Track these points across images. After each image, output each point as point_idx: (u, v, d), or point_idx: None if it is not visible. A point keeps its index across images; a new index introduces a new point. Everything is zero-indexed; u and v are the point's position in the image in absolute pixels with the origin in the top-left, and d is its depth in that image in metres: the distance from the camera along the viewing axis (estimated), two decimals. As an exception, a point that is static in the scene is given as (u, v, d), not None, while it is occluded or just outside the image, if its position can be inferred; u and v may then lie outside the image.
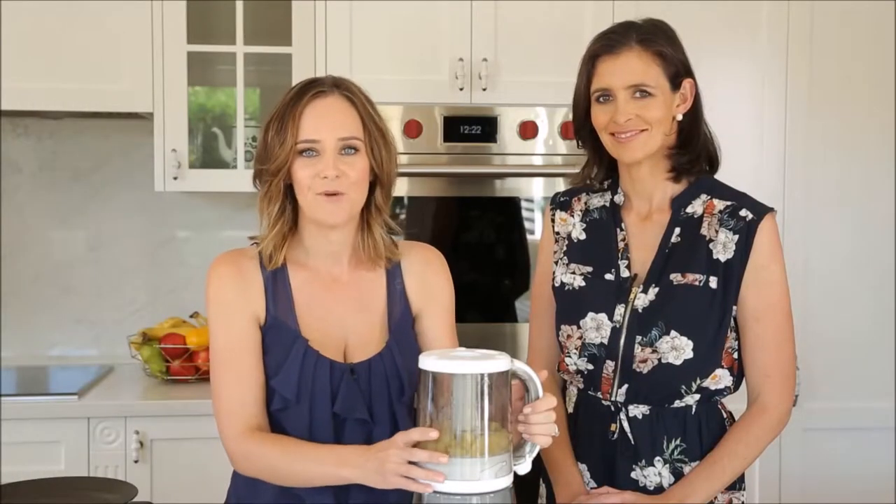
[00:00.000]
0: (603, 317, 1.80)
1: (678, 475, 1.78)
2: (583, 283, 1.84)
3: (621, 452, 1.79)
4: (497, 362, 1.41)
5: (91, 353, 3.25)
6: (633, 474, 1.79)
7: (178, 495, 2.67)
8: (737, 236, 1.76)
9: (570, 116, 1.87)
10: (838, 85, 2.97)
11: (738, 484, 1.83)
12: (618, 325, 1.78)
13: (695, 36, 2.83)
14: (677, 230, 1.81)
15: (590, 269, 1.85)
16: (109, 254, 3.27)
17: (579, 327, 1.82)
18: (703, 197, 1.82)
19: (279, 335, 1.66)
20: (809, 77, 2.96)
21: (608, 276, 1.82)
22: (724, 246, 1.77)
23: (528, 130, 2.87)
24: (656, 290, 1.77)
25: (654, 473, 1.78)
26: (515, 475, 1.46)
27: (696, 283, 1.76)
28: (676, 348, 1.74)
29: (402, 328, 1.72)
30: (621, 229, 1.85)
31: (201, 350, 2.92)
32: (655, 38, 1.76)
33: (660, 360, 1.75)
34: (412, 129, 2.83)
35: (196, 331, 2.97)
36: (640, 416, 1.79)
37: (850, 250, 3.01)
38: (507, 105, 2.88)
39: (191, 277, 3.26)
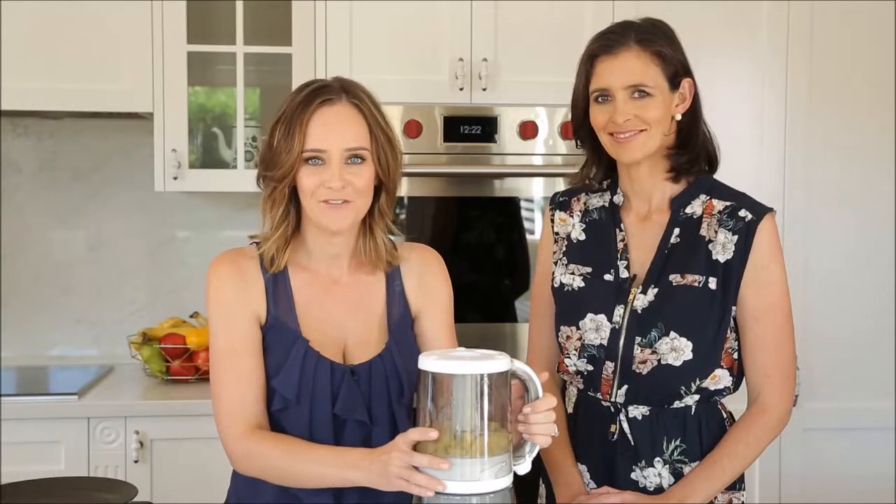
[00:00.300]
0: (602, 318, 1.80)
1: (678, 476, 1.77)
2: (582, 284, 1.84)
3: (621, 453, 1.79)
4: (497, 362, 1.41)
5: (91, 353, 3.25)
6: (632, 475, 1.79)
7: (178, 495, 2.67)
8: (736, 237, 1.76)
9: (570, 116, 1.87)
10: (838, 85, 2.97)
11: (737, 484, 1.83)
12: (617, 326, 1.78)
13: (695, 36, 2.83)
14: (676, 231, 1.80)
15: (589, 269, 1.85)
16: (109, 254, 3.27)
17: (578, 328, 1.82)
18: (703, 197, 1.82)
19: (279, 335, 1.66)
20: (809, 77, 2.96)
21: (607, 277, 1.82)
22: (723, 246, 1.76)
23: (528, 130, 2.87)
24: (655, 290, 1.77)
25: (654, 474, 1.78)
26: (515, 475, 1.46)
27: (696, 283, 1.76)
28: (676, 349, 1.74)
29: (402, 329, 1.72)
30: (620, 230, 1.85)
31: (201, 350, 2.92)
32: (654, 38, 1.75)
33: (659, 361, 1.75)
34: (412, 129, 2.83)
35: (196, 331, 2.97)
36: (639, 417, 1.79)
37: (850, 250, 3.01)
38: (507, 105, 2.88)
39: (191, 277, 3.26)
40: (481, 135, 2.87)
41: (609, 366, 1.79)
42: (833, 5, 2.95)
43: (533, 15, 2.89)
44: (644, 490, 1.78)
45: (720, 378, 1.78)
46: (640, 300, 1.77)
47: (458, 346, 1.73)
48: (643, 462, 1.78)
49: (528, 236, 2.94)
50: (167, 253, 3.29)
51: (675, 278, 1.77)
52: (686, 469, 1.78)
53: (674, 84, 1.77)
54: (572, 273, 1.86)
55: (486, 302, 2.93)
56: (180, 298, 3.24)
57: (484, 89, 2.86)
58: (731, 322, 1.78)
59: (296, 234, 1.70)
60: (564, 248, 1.90)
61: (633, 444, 1.78)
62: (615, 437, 1.80)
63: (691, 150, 1.80)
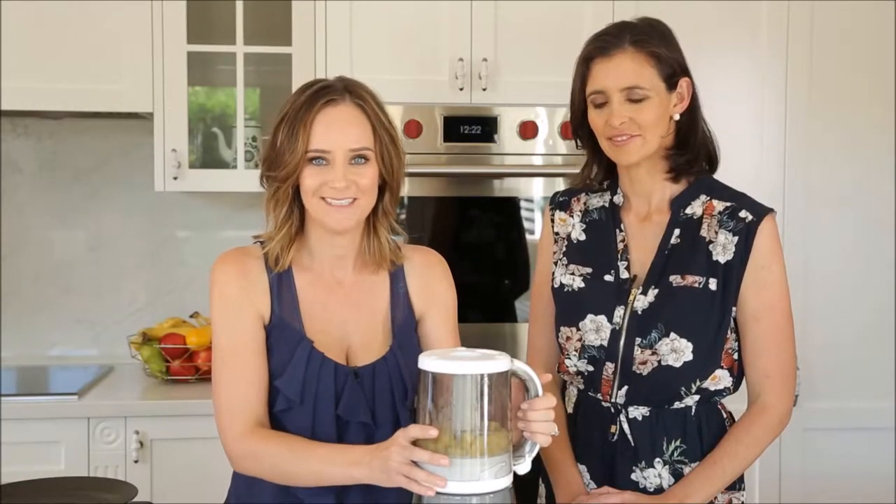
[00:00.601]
0: (602, 318, 1.79)
1: (678, 476, 1.77)
2: (582, 285, 1.84)
3: (621, 454, 1.79)
4: (497, 363, 1.41)
5: (91, 353, 3.25)
6: (633, 476, 1.79)
7: (178, 495, 2.67)
8: (736, 238, 1.76)
9: (569, 117, 1.87)
10: (838, 85, 2.97)
11: (737, 484, 1.83)
12: (617, 328, 1.78)
13: (695, 35, 2.83)
14: (677, 231, 1.80)
15: (589, 270, 1.85)
16: (109, 254, 3.27)
17: (578, 329, 1.82)
18: (703, 198, 1.82)
19: (283, 336, 1.66)
20: (809, 77, 2.96)
21: (607, 278, 1.82)
22: (723, 247, 1.76)
23: (527, 130, 2.87)
24: (656, 291, 1.77)
25: (654, 475, 1.78)
26: (515, 475, 1.46)
27: (696, 284, 1.76)
28: (676, 350, 1.74)
29: (406, 332, 1.72)
30: (620, 230, 1.85)
31: (201, 350, 2.92)
32: (649, 38, 1.74)
33: (659, 362, 1.75)
34: (412, 129, 2.83)
35: (196, 331, 2.97)
36: (639, 418, 1.79)
37: (851, 250, 3.01)
38: (507, 105, 2.88)
39: (191, 277, 3.26)
40: (481, 135, 2.87)
41: (609, 366, 1.79)
42: (833, 5, 2.95)
43: (533, 15, 2.88)
44: (644, 491, 1.78)
45: (720, 378, 1.78)
46: (641, 301, 1.77)
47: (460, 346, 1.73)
48: (643, 463, 1.78)
49: (528, 236, 2.94)
50: (167, 253, 3.29)
51: (675, 279, 1.77)
52: (686, 469, 1.78)
53: (671, 84, 1.76)
54: (572, 273, 1.86)
55: (486, 302, 2.93)
56: (180, 298, 3.24)
57: (484, 89, 2.86)
58: (732, 323, 1.78)
59: (300, 234, 1.70)
60: (564, 249, 1.90)
61: (633, 444, 1.78)
62: (615, 437, 1.80)
63: (690, 150, 1.80)
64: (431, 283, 1.76)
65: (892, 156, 3.00)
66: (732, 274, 1.75)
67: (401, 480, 1.43)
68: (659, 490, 1.78)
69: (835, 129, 2.98)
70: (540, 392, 1.47)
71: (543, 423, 1.46)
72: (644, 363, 1.76)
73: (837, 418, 3.00)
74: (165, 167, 2.91)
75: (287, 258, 1.67)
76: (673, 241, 1.80)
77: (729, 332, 1.78)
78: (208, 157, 3.15)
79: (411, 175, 2.83)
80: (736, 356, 1.80)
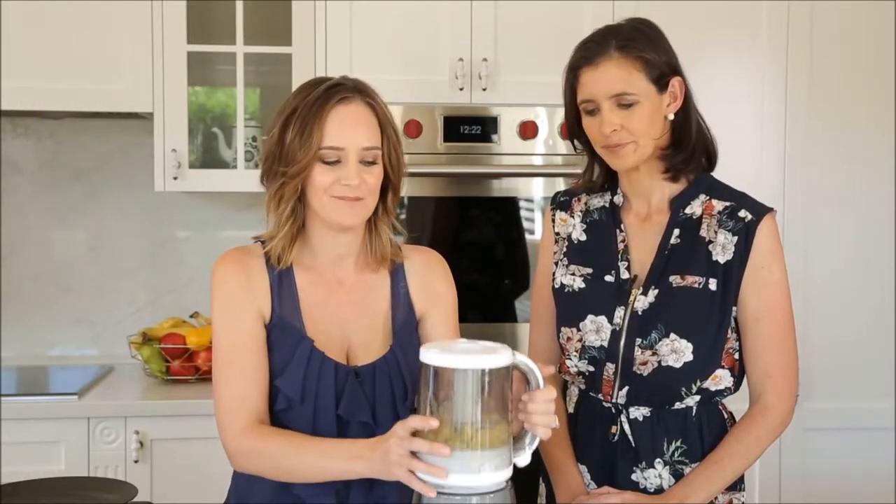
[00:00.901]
0: (602, 319, 1.79)
1: (678, 477, 1.77)
2: (582, 285, 1.84)
3: (622, 454, 1.79)
4: (499, 357, 1.40)
5: (91, 353, 3.25)
6: (633, 476, 1.79)
7: (178, 495, 2.67)
8: (736, 237, 1.76)
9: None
10: (838, 85, 2.97)
11: (738, 484, 1.83)
12: (617, 328, 1.78)
13: (695, 35, 2.87)
14: (676, 231, 1.80)
15: (589, 270, 1.84)
16: (109, 254, 3.27)
17: (579, 329, 1.82)
18: (702, 197, 1.82)
19: (284, 335, 1.66)
20: (809, 77, 2.96)
21: (608, 278, 1.82)
22: (723, 247, 1.76)
23: (527, 130, 2.87)
24: (656, 292, 1.77)
25: (655, 475, 1.78)
26: (515, 468, 1.45)
27: (696, 285, 1.75)
28: (676, 351, 1.74)
29: (406, 331, 1.72)
30: (621, 230, 1.85)
31: (201, 350, 2.92)
32: (635, 43, 1.73)
33: (659, 362, 1.75)
34: (412, 129, 2.83)
35: (196, 331, 2.97)
36: (640, 418, 1.78)
37: (851, 250, 3.01)
38: (507, 105, 2.88)
39: (191, 277, 3.26)
40: (481, 135, 2.87)
41: (610, 367, 1.79)
42: (833, 5, 2.95)
43: (533, 15, 2.88)
44: (644, 491, 1.78)
45: (721, 378, 1.78)
46: (641, 301, 1.77)
47: None
48: (644, 463, 1.78)
49: (528, 236, 2.94)
50: (167, 253, 3.29)
51: (675, 279, 1.77)
52: (686, 470, 1.77)
53: (661, 85, 1.75)
54: (573, 274, 1.86)
55: (486, 301, 2.93)
56: (180, 298, 3.24)
57: (484, 89, 2.86)
58: (732, 322, 1.78)
59: (301, 232, 1.70)
60: (565, 249, 1.90)
61: (633, 445, 1.78)
62: (616, 438, 1.79)
63: (685, 149, 1.79)
64: (432, 282, 1.77)
65: (892, 156, 3.00)
66: (732, 274, 1.75)
67: (400, 473, 1.42)
68: (659, 490, 1.77)
69: (835, 129, 2.98)
70: (541, 384, 1.46)
71: (544, 415, 1.45)
72: (644, 364, 1.75)
73: (837, 418, 3.00)
74: (165, 167, 2.91)
75: (289, 256, 1.67)
76: (673, 241, 1.80)
77: (729, 331, 1.78)
78: (208, 157, 3.15)
79: (411, 175, 2.80)
80: (737, 356, 1.80)
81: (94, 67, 2.90)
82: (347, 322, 1.70)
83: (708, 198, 1.81)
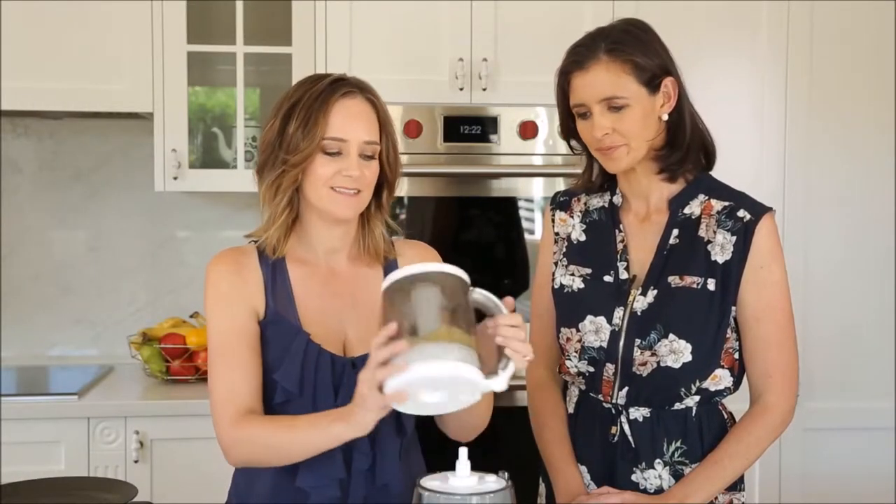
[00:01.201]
0: (602, 320, 1.79)
1: (678, 477, 1.77)
2: (582, 286, 1.84)
3: (622, 455, 1.79)
4: (452, 267, 1.45)
5: (91, 353, 3.25)
6: (633, 477, 1.78)
7: (178, 495, 2.67)
8: (735, 237, 1.76)
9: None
10: (838, 85, 2.97)
11: (738, 485, 1.83)
12: (616, 329, 1.78)
13: (695, 36, 2.87)
14: (675, 231, 1.80)
15: (589, 270, 1.84)
16: (109, 254, 3.27)
17: (578, 330, 1.82)
18: (701, 197, 1.81)
19: (280, 329, 1.67)
20: (809, 77, 2.96)
21: (607, 278, 1.82)
22: (721, 247, 1.76)
23: (527, 130, 2.87)
24: (655, 292, 1.77)
25: (655, 476, 1.78)
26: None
27: (695, 285, 1.75)
28: (675, 351, 1.74)
29: None
30: (620, 230, 1.85)
31: (201, 350, 2.92)
32: (624, 46, 1.72)
33: (659, 363, 1.74)
34: (412, 129, 2.83)
35: (196, 331, 2.97)
36: (640, 419, 1.78)
37: (851, 250, 3.01)
38: (507, 105, 2.88)
39: (191, 277, 3.26)
40: (481, 135, 2.87)
41: (609, 368, 1.79)
42: (833, 5, 2.95)
43: (533, 15, 2.89)
44: (644, 492, 1.78)
45: (721, 378, 1.78)
46: (640, 302, 1.77)
47: None
48: (643, 464, 1.78)
49: (528, 236, 2.94)
50: (167, 253, 3.29)
51: (673, 280, 1.77)
52: (686, 470, 1.77)
53: (653, 87, 1.74)
54: (572, 274, 1.86)
55: (486, 302, 2.93)
56: (180, 298, 3.24)
57: (484, 89, 2.86)
58: (732, 322, 1.78)
59: (296, 225, 1.71)
60: (564, 249, 1.90)
61: (633, 445, 1.78)
62: (616, 438, 1.79)
63: (680, 148, 1.79)
64: None
65: (892, 156, 3.00)
66: (731, 274, 1.75)
67: (375, 402, 1.42)
68: (659, 491, 1.77)
69: (835, 129, 2.98)
70: (504, 312, 1.47)
71: (515, 339, 1.46)
72: (644, 364, 1.75)
73: (837, 418, 3.00)
74: (165, 167, 2.91)
75: (283, 247, 1.69)
76: (672, 241, 1.80)
77: (729, 331, 1.78)
78: (208, 157, 3.15)
79: (411, 175, 2.83)
80: (736, 356, 1.80)
81: (94, 67, 2.90)
82: (342, 314, 1.70)
83: (707, 198, 1.81)
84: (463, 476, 1.38)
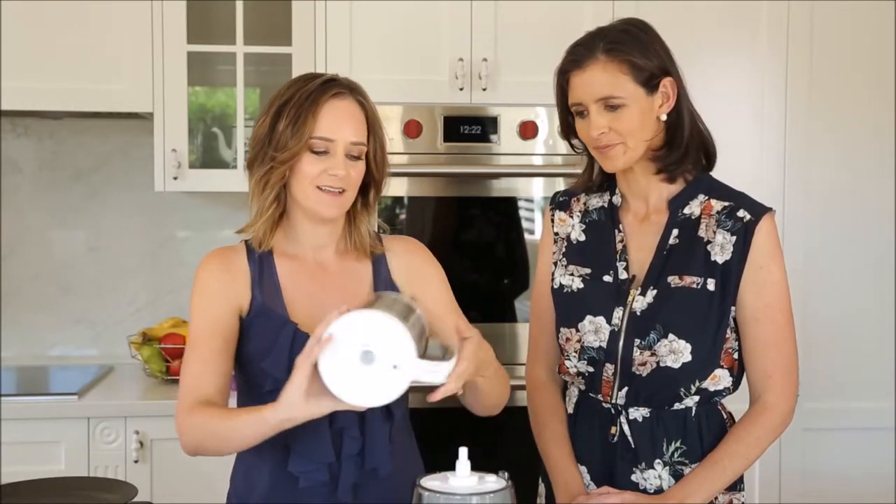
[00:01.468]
0: (601, 320, 1.79)
1: (678, 477, 1.77)
2: (581, 286, 1.84)
3: (621, 455, 1.79)
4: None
5: (91, 353, 3.25)
6: (633, 477, 1.78)
7: (178, 495, 2.67)
8: (734, 237, 1.75)
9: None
10: (838, 85, 2.97)
11: (738, 485, 1.83)
12: (616, 329, 1.78)
13: (695, 36, 2.87)
14: (675, 231, 1.80)
15: (588, 270, 1.84)
16: (109, 254, 3.27)
17: (578, 330, 1.82)
18: (701, 197, 1.81)
19: (267, 321, 1.69)
20: (809, 77, 2.96)
21: (606, 278, 1.82)
22: (721, 247, 1.76)
23: (527, 130, 2.87)
24: (654, 292, 1.77)
25: (655, 476, 1.78)
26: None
27: (694, 285, 1.75)
28: (674, 351, 1.74)
29: None
30: (619, 230, 1.85)
31: (201, 350, 2.92)
32: (622, 45, 1.72)
33: (658, 363, 1.74)
34: (412, 129, 2.83)
35: (196, 331, 2.97)
36: (640, 419, 1.78)
37: (850, 250, 3.01)
38: (507, 105, 2.88)
39: (191, 277, 3.17)
40: (481, 135, 2.87)
41: (609, 368, 1.79)
42: (833, 5, 2.95)
43: (533, 15, 2.89)
44: (644, 492, 1.78)
45: (720, 378, 1.77)
46: (639, 302, 1.77)
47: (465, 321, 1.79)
48: (643, 464, 1.78)
49: (528, 236, 2.94)
50: (167, 253, 3.30)
51: (673, 280, 1.76)
52: (686, 471, 1.77)
53: (651, 87, 1.74)
54: (571, 274, 1.86)
55: (485, 301, 2.93)
56: (180, 298, 3.24)
57: (484, 89, 2.86)
58: (731, 322, 1.78)
59: (283, 220, 1.75)
60: (564, 249, 1.89)
61: (633, 445, 1.78)
62: (615, 438, 1.79)
63: (678, 148, 1.79)
64: (416, 265, 1.82)
65: (892, 156, 3.01)
66: (731, 274, 1.75)
67: (298, 386, 1.45)
68: (659, 491, 1.77)
69: (835, 129, 2.98)
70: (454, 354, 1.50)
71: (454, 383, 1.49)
72: (643, 364, 1.75)
73: (837, 418, 3.00)
74: (165, 167, 2.91)
75: (270, 240, 1.73)
76: (671, 241, 1.80)
77: (729, 331, 1.78)
78: (208, 157, 3.15)
79: (411, 175, 2.84)
80: (736, 356, 1.80)
81: (94, 67, 2.90)
82: (329, 306, 1.71)
83: (707, 198, 1.81)
84: (463, 476, 1.38)
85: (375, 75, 2.80)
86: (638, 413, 1.78)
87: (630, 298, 1.78)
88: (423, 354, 1.49)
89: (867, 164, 3.00)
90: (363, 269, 1.78)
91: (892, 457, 3.01)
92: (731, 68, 2.96)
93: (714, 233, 1.77)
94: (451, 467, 1.40)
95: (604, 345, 1.78)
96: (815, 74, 2.96)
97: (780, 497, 2.97)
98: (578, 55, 1.75)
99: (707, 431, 1.79)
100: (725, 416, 1.85)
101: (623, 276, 1.80)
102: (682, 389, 1.76)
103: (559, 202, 1.94)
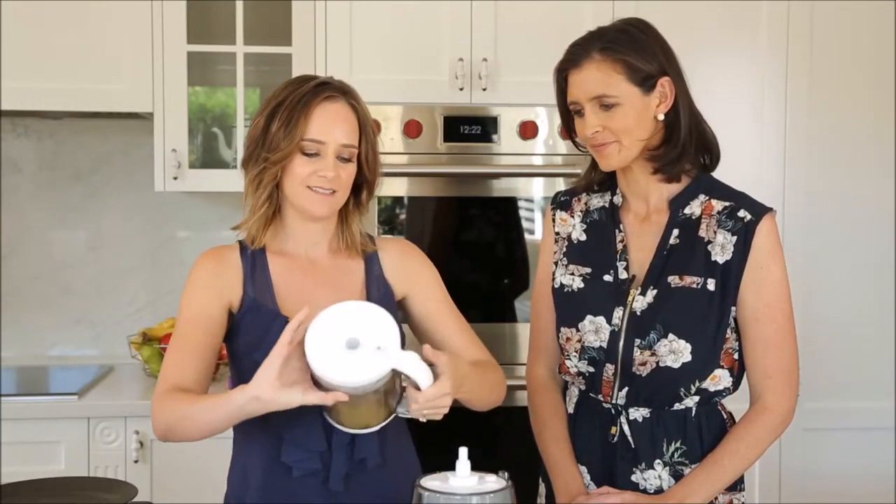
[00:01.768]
0: (601, 320, 1.79)
1: (678, 478, 1.77)
2: (581, 285, 1.84)
3: (621, 455, 1.79)
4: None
5: (91, 353, 3.25)
6: (633, 477, 1.78)
7: (178, 495, 2.67)
8: (735, 237, 1.76)
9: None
10: (838, 85, 2.97)
11: (738, 485, 1.83)
12: (616, 329, 1.78)
13: (695, 35, 2.87)
14: (675, 231, 1.80)
15: (588, 270, 1.84)
16: (109, 254, 3.27)
17: (578, 330, 1.82)
18: (702, 197, 1.81)
19: (258, 316, 1.72)
20: (809, 77, 2.96)
21: (606, 278, 1.82)
22: (721, 247, 1.76)
23: (528, 130, 2.87)
24: (654, 292, 1.77)
25: (655, 476, 1.78)
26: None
27: (694, 285, 1.75)
28: (675, 351, 1.74)
29: (383, 306, 1.74)
30: (620, 230, 1.85)
31: (201, 350, 2.92)
32: (618, 45, 1.73)
33: (658, 363, 1.74)
34: (412, 129, 2.83)
35: (196, 331, 2.97)
36: (640, 419, 1.78)
37: (851, 250, 3.01)
38: (507, 105, 2.87)
39: (191, 277, 3.25)
40: (481, 135, 2.87)
41: (609, 368, 1.79)
42: (833, 5, 2.95)
43: (533, 15, 2.88)
44: (644, 492, 1.78)
45: (720, 378, 1.78)
46: (639, 302, 1.77)
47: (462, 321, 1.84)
48: (643, 464, 1.78)
49: (528, 236, 2.94)
50: (167, 253, 3.29)
51: (673, 280, 1.77)
52: (686, 471, 1.77)
53: (647, 87, 1.74)
54: (572, 274, 1.86)
55: (485, 302, 2.93)
56: (180, 298, 3.23)
57: (484, 89, 2.86)
58: (732, 322, 1.78)
59: (276, 218, 1.77)
60: (565, 249, 1.90)
61: (633, 445, 1.78)
62: (615, 438, 1.79)
63: (673, 148, 1.79)
64: (408, 264, 1.84)
65: (892, 156, 3.00)
66: (731, 274, 1.75)
67: (272, 370, 1.49)
68: (659, 491, 1.77)
69: (835, 129, 2.98)
70: (424, 385, 1.52)
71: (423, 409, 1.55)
72: (643, 364, 1.75)
73: (837, 418, 3.00)
74: (165, 167, 2.91)
75: (262, 237, 1.76)
76: (672, 241, 1.80)
77: (729, 331, 1.78)
78: (208, 157, 3.15)
79: (411, 175, 2.83)
80: (736, 356, 1.80)
81: (93, 67, 2.90)
82: (321, 302, 1.71)
83: (707, 198, 1.81)
84: (463, 476, 1.39)
85: (375, 75, 2.81)
86: (638, 413, 1.78)
87: (630, 298, 1.78)
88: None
89: (867, 164, 3.00)
90: (355, 266, 1.80)
91: (892, 457, 3.01)
92: (731, 68, 2.96)
93: (714, 233, 1.77)
94: (451, 467, 1.40)
95: (604, 345, 1.78)
96: (815, 74, 2.96)
97: (780, 497, 2.97)
98: (575, 54, 1.76)
99: (707, 432, 1.79)
100: (725, 417, 1.85)
101: (623, 275, 1.81)
102: (682, 389, 1.76)
103: (560, 202, 1.94)
